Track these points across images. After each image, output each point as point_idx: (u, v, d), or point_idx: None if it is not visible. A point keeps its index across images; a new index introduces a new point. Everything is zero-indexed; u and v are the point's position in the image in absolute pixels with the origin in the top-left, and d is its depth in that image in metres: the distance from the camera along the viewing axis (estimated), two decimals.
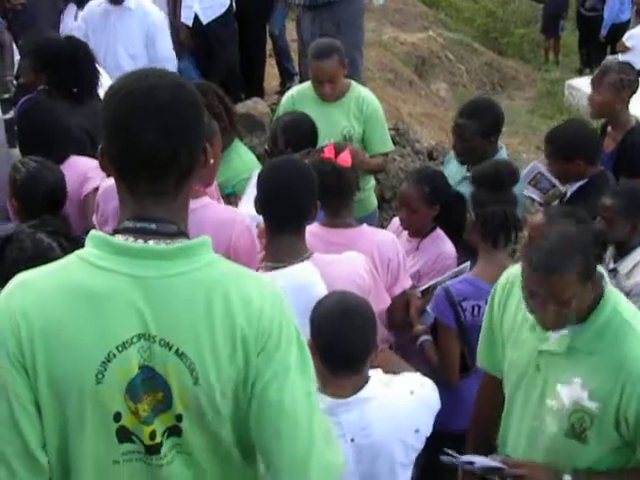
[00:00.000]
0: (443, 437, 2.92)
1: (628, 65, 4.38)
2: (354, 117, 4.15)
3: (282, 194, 2.45)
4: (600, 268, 2.16)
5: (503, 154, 3.75)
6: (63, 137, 3.40)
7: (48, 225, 2.53)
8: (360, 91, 4.24)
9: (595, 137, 3.69)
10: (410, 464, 2.28)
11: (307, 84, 4.25)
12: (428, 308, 2.95)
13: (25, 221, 2.84)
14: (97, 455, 1.49)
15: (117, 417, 1.48)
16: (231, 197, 3.42)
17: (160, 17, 4.93)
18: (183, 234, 1.52)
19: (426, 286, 3.03)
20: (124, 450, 1.50)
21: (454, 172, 3.79)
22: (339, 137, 4.01)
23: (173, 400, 1.48)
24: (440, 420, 2.44)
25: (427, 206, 3.25)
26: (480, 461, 2.31)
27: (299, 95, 4.24)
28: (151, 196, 1.49)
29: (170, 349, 1.46)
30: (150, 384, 1.47)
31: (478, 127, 3.59)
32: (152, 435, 1.50)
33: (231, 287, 1.49)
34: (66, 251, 2.19)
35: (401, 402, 2.23)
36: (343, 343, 2.12)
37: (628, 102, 4.11)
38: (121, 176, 1.51)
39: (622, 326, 2.10)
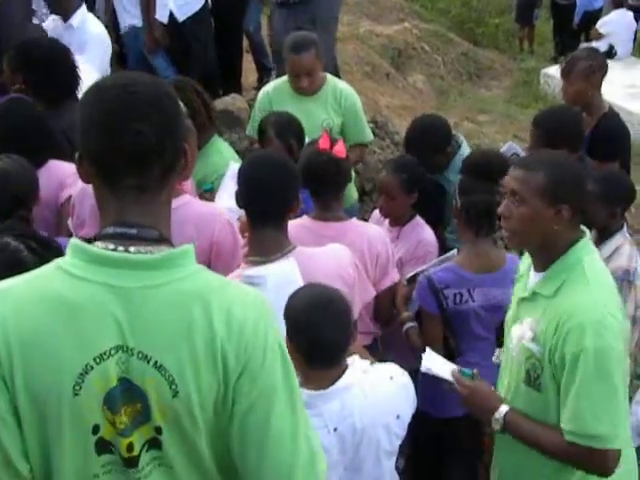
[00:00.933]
0: (429, 424, 2.96)
1: (594, 50, 4.46)
2: (332, 109, 4.17)
3: (264, 188, 2.45)
4: (586, 230, 2.24)
5: (463, 155, 3.67)
6: (42, 140, 3.36)
7: (14, 229, 2.49)
8: (336, 83, 4.27)
9: (581, 125, 3.74)
10: (394, 452, 2.30)
11: (283, 79, 4.25)
12: (414, 295, 2.98)
13: None
14: (77, 468, 1.47)
15: (95, 429, 1.46)
16: (207, 194, 3.41)
17: (95, 34, 4.84)
18: (165, 240, 1.49)
19: (412, 274, 3.06)
20: (102, 462, 1.48)
21: None
22: (319, 130, 4.00)
23: (152, 412, 1.46)
24: (426, 406, 2.47)
25: (404, 193, 3.31)
26: (437, 368, 2.37)
27: (275, 91, 4.25)
28: (135, 193, 1.47)
29: (148, 362, 1.44)
30: (128, 396, 1.45)
31: (426, 151, 3.56)
32: (129, 447, 1.47)
33: (213, 299, 1.46)
34: (36, 253, 2.16)
35: (381, 388, 2.24)
36: (321, 338, 2.12)
37: (600, 86, 4.16)
38: (103, 175, 1.48)
39: (578, 278, 2.15)
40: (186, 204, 2.62)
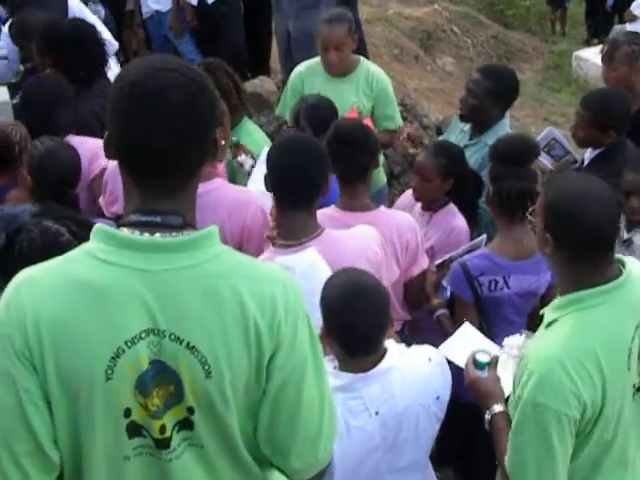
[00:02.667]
0: (457, 409, 2.93)
1: (635, 34, 4.36)
2: (363, 93, 4.12)
3: (292, 171, 2.42)
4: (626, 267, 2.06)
5: (506, 124, 3.74)
6: (62, 114, 3.35)
7: (53, 212, 2.52)
8: (369, 67, 4.22)
9: (630, 109, 3.66)
10: (434, 434, 2.28)
11: (316, 59, 4.21)
12: (444, 282, 2.95)
13: (37, 199, 2.83)
14: (107, 451, 1.48)
15: (127, 413, 1.46)
16: (232, 149, 3.36)
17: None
18: (189, 225, 1.49)
19: (441, 260, 3.02)
20: (134, 445, 1.49)
21: (455, 140, 3.78)
22: (348, 112, 3.98)
23: (184, 393, 1.47)
24: (454, 392, 2.44)
25: (441, 178, 3.25)
26: (452, 353, 2.38)
27: (307, 70, 4.21)
28: (157, 190, 1.46)
29: (181, 343, 1.44)
30: (161, 378, 1.46)
31: (491, 88, 3.59)
32: (162, 429, 1.48)
33: (241, 279, 1.47)
34: (76, 235, 2.18)
35: (420, 369, 2.23)
36: (359, 326, 2.10)
37: None
38: (127, 170, 1.48)
39: (564, 323, 2.03)
40: (218, 188, 2.60)
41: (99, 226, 1.49)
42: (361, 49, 4.97)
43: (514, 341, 2.43)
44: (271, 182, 2.48)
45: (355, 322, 2.09)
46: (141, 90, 1.42)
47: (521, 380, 2.00)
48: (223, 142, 2.49)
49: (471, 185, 3.30)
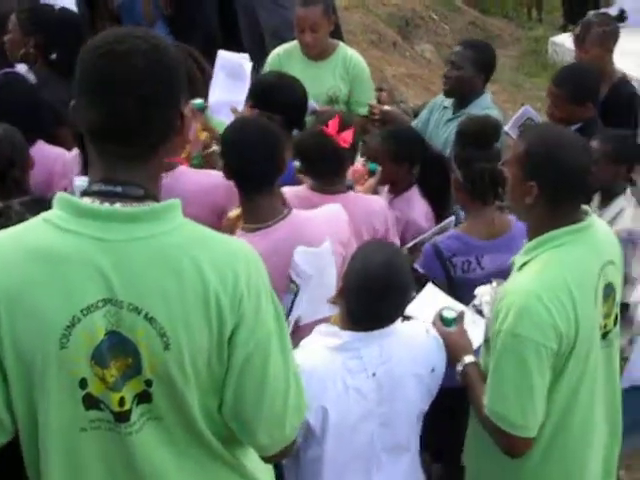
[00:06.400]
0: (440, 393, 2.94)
1: (605, 15, 4.40)
2: (340, 77, 4.13)
3: (247, 157, 2.42)
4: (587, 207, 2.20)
5: (487, 97, 3.85)
6: (32, 120, 3.25)
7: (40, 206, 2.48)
8: (347, 51, 4.23)
9: (597, 77, 3.77)
10: (424, 409, 2.30)
11: (294, 43, 4.20)
12: (415, 265, 2.95)
13: None
14: (62, 421, 1.47)
15: (83, 384, 1.46)
16: (198, 112, 3.29)
17: None
18: (151, 197, 1.48)
19: (412, 243, 3.03)
20: (91, 417, 1.48)
21: (438, 117, 3.86)
22: (324, 97, 3.98)
23: (142, 365, 1.46)
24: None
25: (393, 163, 3.31)
26: (420, 313, 2.41)
27: (285, 53, 4.21)
28: (121, 159, 1.45)
29: (139, 314, 1.43)
30: (119, 349, 1.45)
31: (473, 57, 3.72)
32: (121, 402, 1.47)
33: (202, 251, 1.46)
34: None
35: (419, 338, 2.27)
36: (384, 310, 2.16)
37: (612, 52, 4.10)
38: (91, 138, 1.47)
39: (538, 261, 2.11)
40: (181, 175, 2.61)
41: (60, 194, 1.48)
42: (336, 34, 4.95)
43: (486, 289, 2.48)
44: (229, 169, 2.48)
45: (382, 305, 2.14)
46: (104, 54, 1.42)
47: (499, 316, 2.05)
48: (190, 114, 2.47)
49: (435, 169, 3.33)
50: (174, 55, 1.49)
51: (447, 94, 3.88)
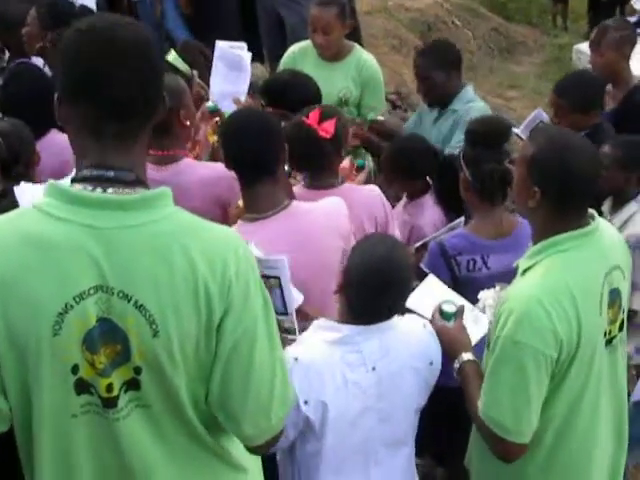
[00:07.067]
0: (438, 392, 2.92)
1: (623, 21, 4.36)
2: (352, 80, 4.12)
3: (248, 147, 2.42)
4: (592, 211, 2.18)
5: (469, 90, 3.85)
6: (45, 110, 3.28)
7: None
8: (362, 54, 4.22)
9: (602, 84, 3.72)
10: (421, 404, 2.29)
11: (309, 42, 4.21)
12: (421, 265, 2.94)
13: None
14: (54, 407, 1.48)
15: (75, 369, 1.47)
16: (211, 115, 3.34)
17: None
18: (141, 182, 1.49)
19: (420, 243, 3.02)
20: (82, 402, 1.49)
21: (428, 118, 3.90)
22: (335, 99, 3.98)
23: (131, 352, 1.47)
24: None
25: (406, 176, 3.39)
26: (421, 307, 2.41)
27: (301, 51, 4.22)
28: (114, 139, 1.46)
29: (129, 301, 1.44)
30: (109, 336, 1.46)
31: (434, 63, 3.73)
32: (109, 388, 1.48)
33: (192, 240, 1.47)
34: None
35: (417, 332, 2.27)
36: (385, 304, 2.16)
37: (629, 58, 4.06)
38: (84, 119, 1.47)
39: (540, 267, 2.10)
40: (187, 167, 2.61)
41: (51, 182, 1.49)
42: (354, 37, 4.95)
43: (489, 293, 2.47)
44: (229, 158, 2.49)
45: (381, 299, 2.14)
46: (91, 29, 1.44)
47: (500, 320, 2.04)
48: (188, 122, 2.49)
49: (449, 175, 3.31)
50: (148, 34, 1.52)
51: (430, 106, 3.91)
